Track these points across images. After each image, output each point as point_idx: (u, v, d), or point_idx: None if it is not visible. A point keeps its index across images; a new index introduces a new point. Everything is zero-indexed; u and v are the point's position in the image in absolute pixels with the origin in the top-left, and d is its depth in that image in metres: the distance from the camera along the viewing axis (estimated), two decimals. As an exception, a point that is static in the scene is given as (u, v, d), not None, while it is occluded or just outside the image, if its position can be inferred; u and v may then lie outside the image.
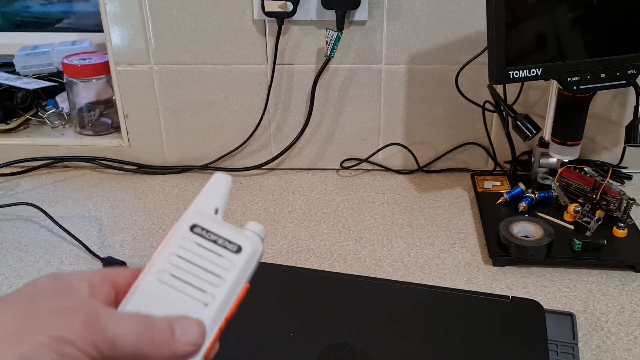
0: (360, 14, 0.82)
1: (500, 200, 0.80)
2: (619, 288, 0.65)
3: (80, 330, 0.28)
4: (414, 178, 0.91)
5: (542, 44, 0.67)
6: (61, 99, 1.03)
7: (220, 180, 0.37)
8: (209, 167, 0.94)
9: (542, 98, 0.86)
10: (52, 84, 1.04)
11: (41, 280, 0.31)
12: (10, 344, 0.27)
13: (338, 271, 0.69)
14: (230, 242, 0.35)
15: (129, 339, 0.29)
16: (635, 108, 0.73)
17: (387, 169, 0.93)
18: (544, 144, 0.81)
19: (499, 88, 0.81)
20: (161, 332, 0.31)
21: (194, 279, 0.33)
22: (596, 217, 0.72)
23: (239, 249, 0.34)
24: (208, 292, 0.33)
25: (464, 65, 0.82)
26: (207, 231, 0.35)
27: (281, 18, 0.82)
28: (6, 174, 0.93)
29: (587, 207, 0.74)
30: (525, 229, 0.71)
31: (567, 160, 0.79)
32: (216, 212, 0.36)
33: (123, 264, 0.71)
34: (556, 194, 0.78)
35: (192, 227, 0.35)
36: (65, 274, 0.32)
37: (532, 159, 0.85)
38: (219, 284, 0.33)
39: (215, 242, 0.35)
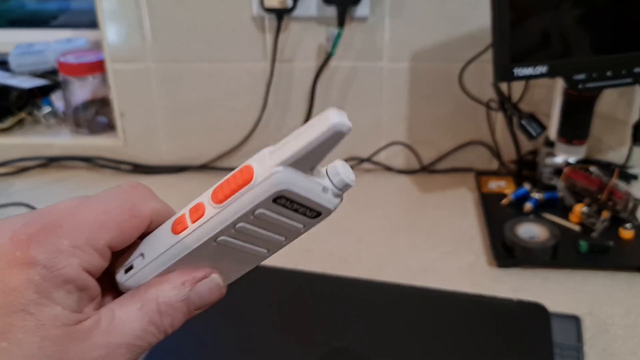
0: (361, 10, 0.81)
1: (504, 201, 0.79)
2: (625, 290, 0.65)
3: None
4: (416, 178, 0.90)
5: (547, 42, 0.67)
6: (57, 98, 1.03)
7: (335, 135, 0.27)
8: (207, 167, 0.93)
9: (547, 96, 0.85)
10: (47, 82, 1.03)
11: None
12: None
13: (339, 274, 0.68)
14: (311, 209, 0.29)
15: (145, 337, 0.28)
16: (642, 107, 0.72)
17: (389, 168, 0.92)
18: (549, 144, 0.80)
19: (504, 86, 0.80)
20: (175, 310, 0.29)
21: (257, 240, 0.29)
22: (602, 218, 0.72)
23: (317, 215, 0.30)
24: (269, 249, 0.30)
25: (468, 63, 0.81)
26: (292, 201, 0.28)
27: (280, 14, 0.81)
28: (0, 174, 0.92)
29: (593, 208, 0.73)
30: (530, 231, 0.71)
31: (572, 160, 0.78)
32: (312, 169, 0.28)
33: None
34: (562, 194, 0.77)
35: (276, 199, 0.27)
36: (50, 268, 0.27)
37: (537, 159, 0.84)
38: (282, 243, 0.30)
39: (296, 210, 0.29)
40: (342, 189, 0.30)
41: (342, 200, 0.30)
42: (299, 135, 0.27)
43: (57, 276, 0.25)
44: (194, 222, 0.28)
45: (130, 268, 0.29)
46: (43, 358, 0.24)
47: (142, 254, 0.29)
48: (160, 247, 0.29)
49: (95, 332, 0.26)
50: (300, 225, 0.30)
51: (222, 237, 0.28)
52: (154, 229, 0.30)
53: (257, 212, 0.28)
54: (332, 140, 0.27)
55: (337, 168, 0.30)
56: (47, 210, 0.27)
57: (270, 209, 0.28)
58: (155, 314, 0.28)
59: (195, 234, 0.28)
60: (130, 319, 0.27)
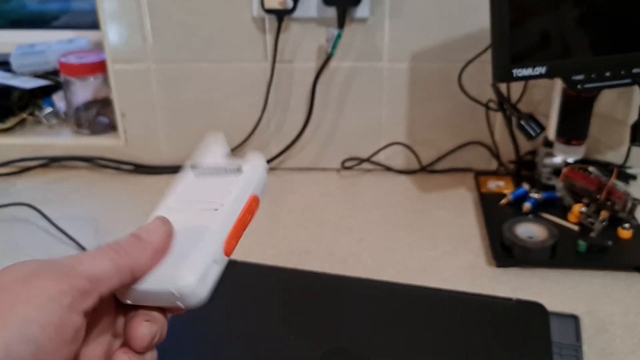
0: (361, 11, 0.81)
1: (503, 201, 0.79)
2: (624, 290, 0.65)
3: (54, 285, 0.29)
4: (416, 178, 0.91)
5: (547, 42, 0.67)
6: (58, 98, 1.03)
7: (216, 138, 0.42)
8: (207, 167, 0.93)
9: (547, 97, 0.85)
10: (48, 82, 1.03)
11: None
12: None
13: (339, 273, 0.68)
14: (229, 167, 0.38)
15: (105, 266, 0.31)
16: (641, 107, 0.72)
17: (389, 168, 0.92)
18: (548, 144, 0.80)
19: (503, 87, 0.80)
20: (129, 243, 0.33)
21: (201, 198, 0.37)
22: (601, 218, 0.72)
23: (239, 169, 0.38)
24: (216, 202, 0.36)
25: (467, 64, 0.81)
26: (207, 167, 0.39)
27: (281, 15, 0.81)
28: (2, 174, 0.92)
29: (592, 207, 0.74)
30: (529, 230, 0.71)
31: (571, 160, 0.79)
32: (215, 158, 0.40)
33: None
34: (560, 194, 0.77)
35: (193, 170, 0.39)
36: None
37: (536, 159, 0.84)
38: (225, 195, 0.37)
39: (216, 173, 0.39)
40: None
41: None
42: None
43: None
44: None
45: None
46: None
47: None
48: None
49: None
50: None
51: None
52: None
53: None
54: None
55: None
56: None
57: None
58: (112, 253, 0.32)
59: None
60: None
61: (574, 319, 0.58)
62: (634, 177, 0.87)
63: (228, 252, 0.35)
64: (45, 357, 0.27)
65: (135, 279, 0.33)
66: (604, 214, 0.72)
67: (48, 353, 0.27)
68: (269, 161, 0.92)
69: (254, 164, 0.39)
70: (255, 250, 0.73)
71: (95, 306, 0.32)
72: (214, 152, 0.40)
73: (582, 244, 0.68)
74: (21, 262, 0.30)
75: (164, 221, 0.35)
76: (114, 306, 0.35)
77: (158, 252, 0.33)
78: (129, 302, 0.33)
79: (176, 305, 0.33)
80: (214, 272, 0.34)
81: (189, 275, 0.32)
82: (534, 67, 0.66)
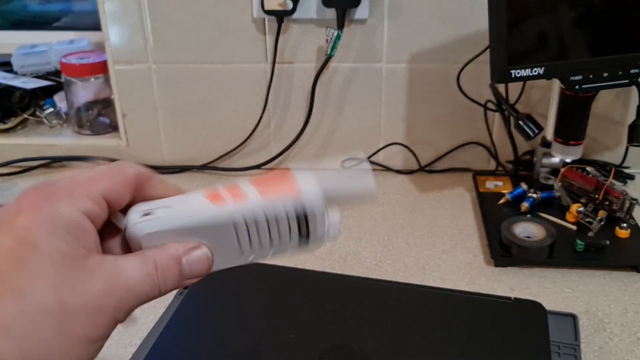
0: (360, 12, 0.81)
1: (502, 201, 0.79)
2: (621, 289, 0.65)
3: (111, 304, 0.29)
4: (415, 178, 0.91)
5: (544, 43, 0.67)
6: (59, 99, 1.03)
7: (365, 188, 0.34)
8: (208, 167, 0.94)
9: (544, 97, 0.85)
10: (50, 83, 1.04)
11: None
12: None
13: (338, 272, 0.68)
14: (309, 236, 0.33)
15: (142, 285, 0.30)
16: (638, 107, 0.72)
17: (388, 168, 0.93)
18: (546, 144, 0.80)
19: (501, 87, 0.81)
20: (166, 266, 0.31)
21: (256, 236, 0.33)
22: (599, 218, 0.72)
23: (306, 240, 0.34)
24: (256, 255, 0.33)
25: (466, 64, 0.81)
26: (306, 217, 0.32)
27: (281, 16, 0.82)
28: (3, 174, 0.93)
29: (590, 207, 0.74)
30: (527, 230, 0.71)
31: (569, 160, 0.79)
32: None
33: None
34: (558, 194, 0.78)
35: (297, 208, 0.32)
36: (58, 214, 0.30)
37: (534, 159, 0.84)
38: (267, 252, 0.33)
39: (299, 227, 0.33)
40: (330, 237, 0.34)
41: (324, 245, 0.34)
42: (345, 179, 0.33)
43: (59, 218, 0.28)
44: (234, 199, 0.32)
45: (148, 214, 0.32)
46: (49, 279, 0.27)
47: (168, 207, 0.32)
48: (192, 206, 0.32)
49: (97, 267, 0.29)
50: (293, 244, 0.33)
51: (243, 222, 0.32)
52: (141, 185, 0.33)
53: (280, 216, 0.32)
54: (362, 202, 0.32)
55: (335, 221, 0.34)
56: (49, 180, 0.31)
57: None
58: (152, 268, 0.31)
59: (233, 208, 0.32)
60: (130, 267, 0.30)
61: (572, 318, 0.58)
62: (631, 177, 0.88)
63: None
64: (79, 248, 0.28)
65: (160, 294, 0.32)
66: (601, 214, 0.72)
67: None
68: (269, 161, 0.93)
69: (309, 250, 0.35)
70: (256, 250, 0.73)
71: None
72: (345, 192, 0.34)
73: (580, 244, 0.68)
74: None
75: (210, 266, 0.33)
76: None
77: (183, 284, 0.32)
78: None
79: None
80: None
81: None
82: (531, 67, 0.66)
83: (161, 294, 0.31)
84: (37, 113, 1.02)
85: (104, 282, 0.29)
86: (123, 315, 0.30)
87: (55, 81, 1.04)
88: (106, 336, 0.29)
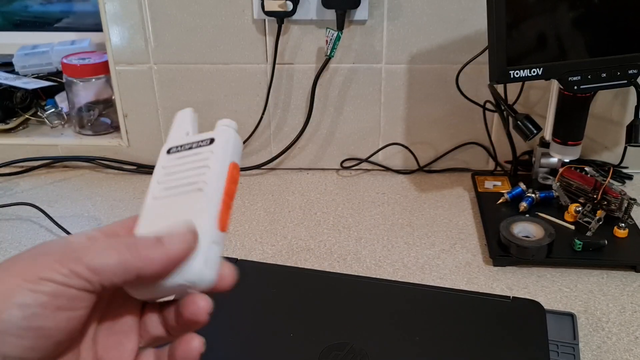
0: (360, 13, 0.82)
1: (500, 200, 0.80)
2: (619, 288, 0.65)
3: (56, 266, 0.29)
4: (414, 178, 0.91)
5: (543, 44, 0.67)
6: (60, 99, 1.03)
7: (184, 113, 0.41)
8: (208, 167, 0.94)
9: (543, 98, 0.86)
10: (51, 83, 1.04)
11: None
12: None
13: (338, 271, 0.69)
14: (201, 140, 0.38)
15: (109, 261, 0.30)
16: (636, 108, 0.72)
17: (387, 168, 0.93)
18: (544, 144, 0.80)
19: (500, 88, 0.81)
20: (147, 244, 0.31)
21: (183, 180, 0.35)
22: (597, 217, 0.72)
23: (211, 140, 0.38)
24: (199, 181, 0.35)
25: (465, 65, 0.81)
26: (180, 145, 0.38)
27: (281, 17, 0.82)
28: (5, 174, 0.93)
29: (588, 207, 0.74)
30: (525, 229, 0.71)
31: (568, 160, 0.79)
32: (187, 134, 0.39)
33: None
34: (557, 194, 0.78)
35: (168, 151, 0.38)
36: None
37: (533, 159, 0.84)
38: (205, 171, 0.36)
39: (189, 148, 0.37)
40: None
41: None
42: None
43: None
44: None
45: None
46: None
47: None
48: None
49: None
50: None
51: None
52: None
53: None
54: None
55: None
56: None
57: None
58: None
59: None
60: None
61: (571, 317, 0.58)
62: (629, 177, 0.88)
63: (223, 228, 0.35)
64: (40, 324, 0.29)
65: (140, 281, 0.31)
66: (599, 213, 0.73)
67: (41, 318, 0.29)
68: (269, 161, 0.93)
69: (224, 130, 0.39)
70: (256, 249, 0.74)
71: (116, 304, 0.33)
72: (185, 128, 0.40)
73: (578, 243, 0.69)
74: (50, 241, 0.32)
75: (192, 232, 0.33)
76: (139, 307, 0.35)
77: (172, 262, 0.31)
78: (138, 298, 0.34)
79: (188, 293, 0.33)
80: (216, 253, 0.34)
81: (194, 263, 0.32)
82: (530, 68, 0.66)
83: (140, 261, 0.31)
84: (39, 113, 1.02)
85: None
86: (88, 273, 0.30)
87: (57, 82, 1.04)
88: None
